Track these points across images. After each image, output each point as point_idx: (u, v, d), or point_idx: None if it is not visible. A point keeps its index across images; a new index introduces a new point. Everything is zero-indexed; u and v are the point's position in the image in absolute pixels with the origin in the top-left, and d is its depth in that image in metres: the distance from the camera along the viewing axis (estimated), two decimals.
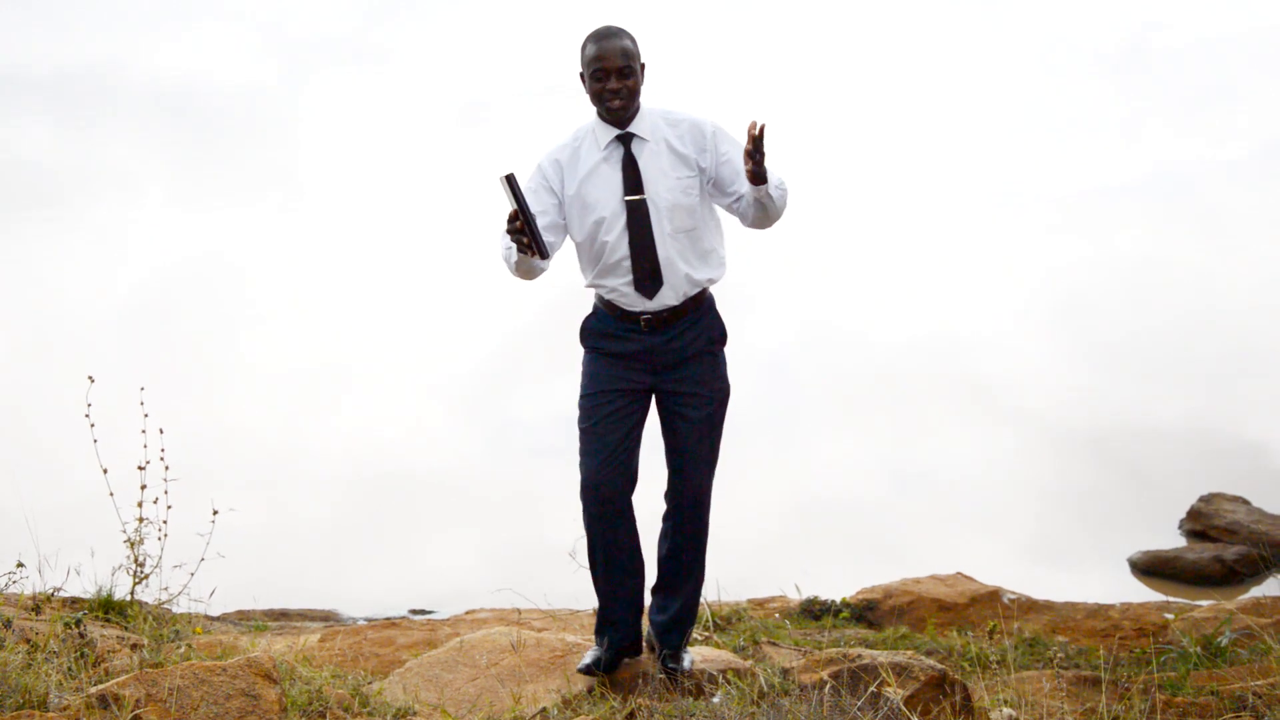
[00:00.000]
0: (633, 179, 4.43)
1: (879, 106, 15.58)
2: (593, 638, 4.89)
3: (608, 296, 4.53)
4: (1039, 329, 11.84)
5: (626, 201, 4.42)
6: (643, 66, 4.46)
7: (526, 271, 4.37)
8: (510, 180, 4.11)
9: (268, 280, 12.54)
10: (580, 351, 4.67)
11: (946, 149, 14.93)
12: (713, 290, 4.63)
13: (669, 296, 4.46)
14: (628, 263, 4.43)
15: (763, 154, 4.17)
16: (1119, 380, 11.03)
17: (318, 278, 12.60)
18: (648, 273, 4.42)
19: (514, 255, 4.31)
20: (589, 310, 4.65)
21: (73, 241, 12.71)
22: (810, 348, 11.33)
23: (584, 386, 4.58)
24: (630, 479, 4.54)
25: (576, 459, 4.58)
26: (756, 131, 4.13)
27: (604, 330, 4.56)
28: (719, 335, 4.60)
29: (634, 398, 4.54)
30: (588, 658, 4.71)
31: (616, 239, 4.43)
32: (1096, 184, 14.06)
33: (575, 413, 4.62)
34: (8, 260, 12.39)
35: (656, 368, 4.52)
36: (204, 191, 13.99)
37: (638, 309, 4.48)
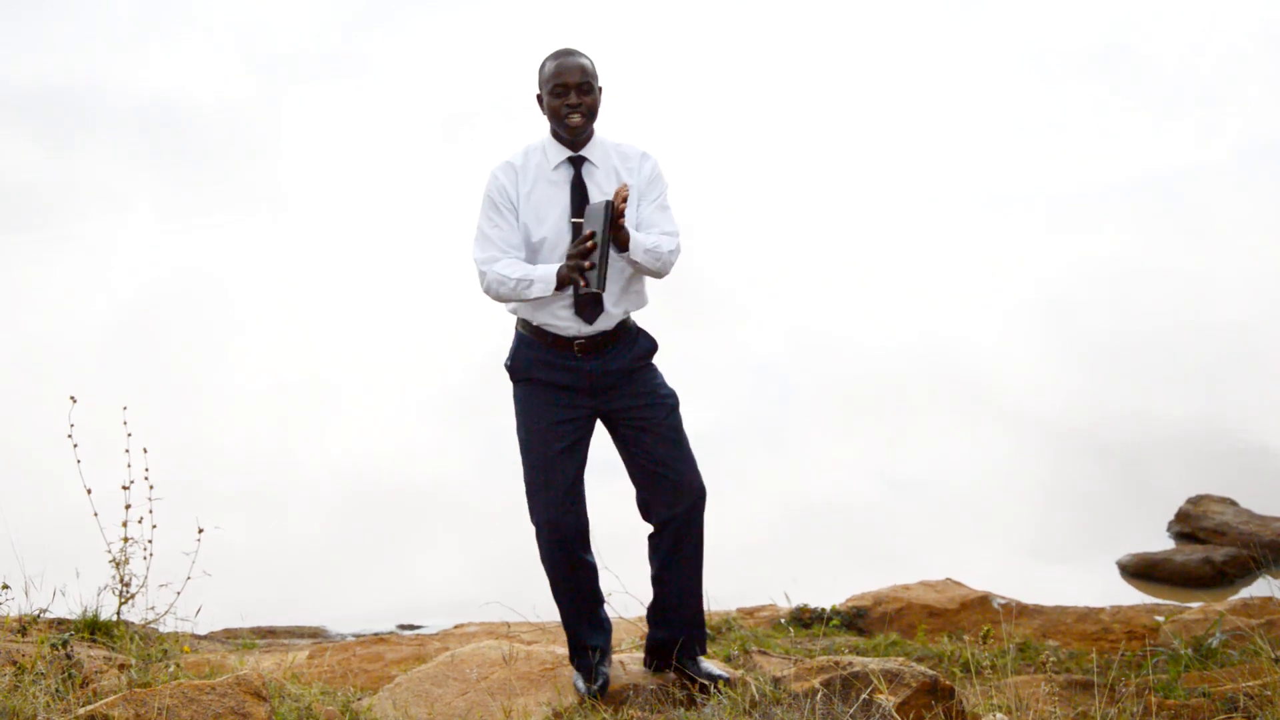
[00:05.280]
0: (580, 201, 4.39)
1: (868, 110, 15.62)
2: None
3: (538, 321, 4.45)
4: (1029, 332, 11.88)
5: (573, 223, 4.38)
6: (600, 89, 4.45)
7: (520, 296, 4.35)
8: (609, 207, 4.12)
9: (252, 295, 12.51)
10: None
11: (936, 152, 14.98)
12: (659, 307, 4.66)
13: (603, 322, 4.43)
14: (569, 286, 4.35)
15: (620, 223, 4.21)
16: (1109, 383, 11.06)
17: (303, 292, 12.57)
18: (589, 297, 4.38)
19: (533, 287, 4.28)
20: (512, 341, 4.56)
21: (55, 259, 12.67)
22: (801, 353, 11.33)
23: (528, 420, 4.49)
24: (585, 511, 4.52)
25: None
26: (624, 196, 4.17)
27: (539, 359, 4.47)
28: (650, 349, 4.57)
29: (581, 426, 4.49)
30: (582, 686, 4.69)
31: (559, 260, 4.38)
32: (1085, 186, 14.13)
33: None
34: None
35: (596, 392, 4.47)
36: (187, 207, 13.96)
37: (571, 334, 4.43)
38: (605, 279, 4.17)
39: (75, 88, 15.25)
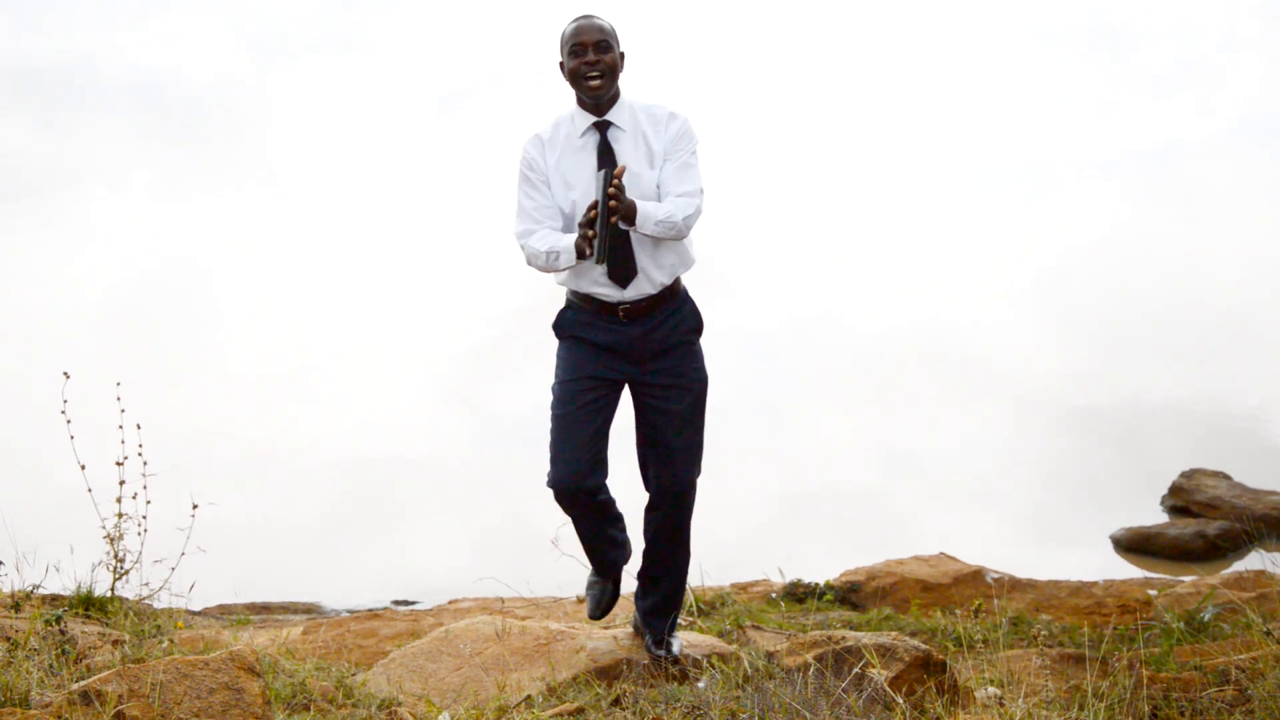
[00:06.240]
0: (608, 165, 4.37)
1: (864, 91, 15.58)
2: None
3: (582, 290, 4.49)
4: (1025, 309, 11.88)
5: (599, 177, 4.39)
6: (622, 55, 4.44)
7: (554, 268, 4.39)
8: (607, 175, 4.13)
9: (246, 273, 12.49)
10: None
11: (931, 131, 14.95)
12: (688, 281, 4.62)
13: (645, 285, 4.44)
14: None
15: (621, 202, 4.15)
16: (1103, 358, 11.06)
17: (297, 270, 12.55)
18: (621, 260, 4.39)
19: (560, 258, 4.31)
20: (562, 305, 4.62)
21: (47, 236, 12.64)
22: (798, 332, 11.34)
23: (561, 372, 4.54)
24: (603, 469, 4.54)
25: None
26: (616, 176, 4.14)
27: (582, 321, 4.52)
28: (696, 325, 4.58)
29: (611, 387, 4.52)
30: (591, 602, 4.84)
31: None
32: (1081, 162, 14.11)
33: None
34: None
35: (635, 359, 4.50)
36: (180, 185, 13.92)
37: (614, 300, 4.45)
38: (605, 249, 4.16)
39: (68, 64, 15.19)
